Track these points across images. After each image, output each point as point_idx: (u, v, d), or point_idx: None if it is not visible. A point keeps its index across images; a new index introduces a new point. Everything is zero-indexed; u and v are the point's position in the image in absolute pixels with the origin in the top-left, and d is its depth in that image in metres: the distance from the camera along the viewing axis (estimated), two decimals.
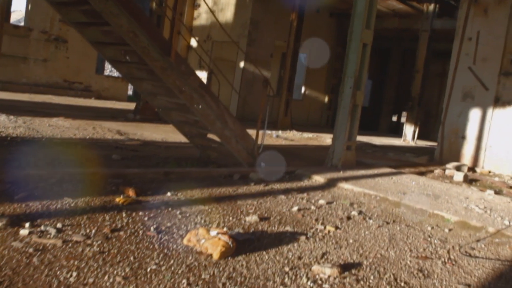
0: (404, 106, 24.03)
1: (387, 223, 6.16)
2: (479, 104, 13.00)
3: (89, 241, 4.12)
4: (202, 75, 21.28)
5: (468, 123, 13.20)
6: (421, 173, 10.90)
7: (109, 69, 31.26)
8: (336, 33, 23.02)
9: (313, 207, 6.42)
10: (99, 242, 4.13)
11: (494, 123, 12.85)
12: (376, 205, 7.09)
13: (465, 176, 10.44)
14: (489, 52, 12.88)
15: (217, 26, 20.93)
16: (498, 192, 9.58)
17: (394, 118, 29.16)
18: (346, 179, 8.46)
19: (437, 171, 11.19)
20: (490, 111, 12.87)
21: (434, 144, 21.22)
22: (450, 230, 6.24)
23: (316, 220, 5.83)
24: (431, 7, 19.83)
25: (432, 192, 8.30)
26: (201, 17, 21.93)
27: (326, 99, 23.60)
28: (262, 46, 19.85)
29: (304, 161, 10.97)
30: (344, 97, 9.64)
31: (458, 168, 12.29)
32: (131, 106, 18.39)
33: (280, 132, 16.84)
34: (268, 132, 16.19)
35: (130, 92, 27.01)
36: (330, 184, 8.08)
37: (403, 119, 26.29)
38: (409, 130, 20.48)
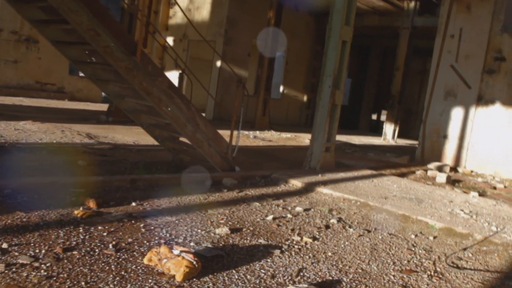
0: (384, 104, 23.78)
1: (368, 231, 5.79)
2: (462, 103, 12.73)
3: (36, 264, 3.67)
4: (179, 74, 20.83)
5: (450, 122, 12.93)
6: (403, 175, 10.58)
7: None
8: (315, 31, 22.70)
9: (289, 215, 6.02)
10: (48, 264, 3.68)
11: (476, 122, 12.59)
12: (357, 211, 6.71)
13: (448, 177, 10.14)
14: (472, 49, 12.61)
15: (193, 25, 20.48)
16: (482, 194, 9.29)
17: (374, 117, 28.93)
18: (325, 183, 8.08)
19: (419, 172, 10.88)
20: (472, 109, 12.61)
21: (415, 142, 20.99)
22: (435, 237, 5.89)
23: (292, 230, 5.43)
24: (412, 4, 19.59)
25: (414, 196, 7.96)
26: (177, 15, 21.44)
27: (305, 98, 23.27)
28: (239, 45, 19.44)
29: (281, 163, 10.59)
30: (323, 97, 9.26)
31: (440, 169, 12.00)
32: (105, 107, 17.83)
33: (258, 132, 16.46)
34: (246, 132, 15.82)
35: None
36: (308, 188, 7.70)
37: (383, 117, 26.04)
38: (389, 128, 20.22)
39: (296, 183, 7.90)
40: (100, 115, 14.62)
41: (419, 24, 19.59)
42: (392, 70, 20.67)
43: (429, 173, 10.88)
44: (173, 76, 21.30)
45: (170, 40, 21.38)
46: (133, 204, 5.61)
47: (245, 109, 19.80)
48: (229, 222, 5.41)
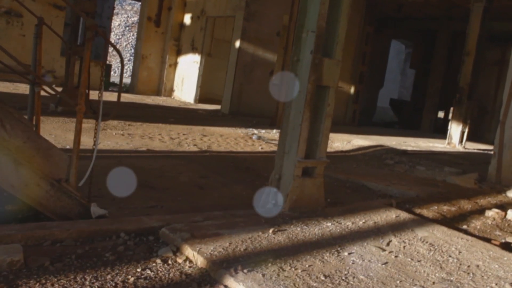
0: (452, 100, 18.38)
1: None
2: None
3: None
4: (196, 58, 16.48)
5: None
6: (461, 217, 5.65)
7: None
8: (366, 8, 17.58)
9: None
10: None
11: None
12: None
13: None
14: None
15: None
16: None
17: (441, 115, 23.41)
18: (265, 256, 3.36)
19: (492, 213, 5.83)
20: None
21: (490, 148, 15.64)
22: None
23: None
24: None
25: None
26: None
27: (353, 89, 18.21)
28: (265, 22, 14.77)
29: (252, 187, 6.00)
30: (300, 71, 4.53)
31: None
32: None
33: (274, 131, 11.76)
34: (255, 131, 11.27)
35: (113, 79, 22.41)
36: (207, 280, 3.05)
37: (451, 116, 20.51)
38: (455, 130, 14.94)
39: (194, 256, 3.28)
40: (51, 103, 10.43)
41: None
42: (462, 57, 15.32)
43: (511, 214, 5.84)
44: (189, 60, 16.98)
45: (187, 18, 17.05)
46: None
47: (268, 103, 15.27)
48: None
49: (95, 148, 3.80)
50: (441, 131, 21.13)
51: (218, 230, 3.70)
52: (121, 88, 4.08)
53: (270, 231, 3.88)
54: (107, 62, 23.96)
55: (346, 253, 3.67)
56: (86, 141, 7.14)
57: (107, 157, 6.48)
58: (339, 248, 3.75)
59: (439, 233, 4.61)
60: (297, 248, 3.64)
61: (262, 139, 10.31)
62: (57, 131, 7.74)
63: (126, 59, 28.39)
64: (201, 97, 16.42)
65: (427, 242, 4.27)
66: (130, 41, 29.03)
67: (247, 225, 3.96)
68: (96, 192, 4.74)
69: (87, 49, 3.68)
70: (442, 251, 4.09)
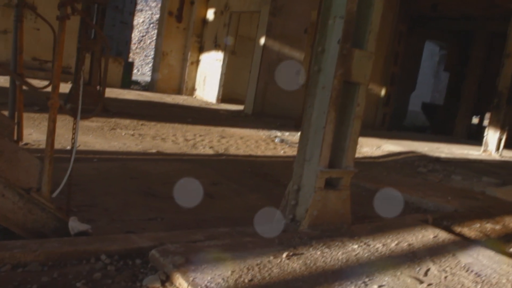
0: (489, 105, 17.43)
1: None
2: None
3: None
4: (218, 56, 15.91)
5: None
6: (508, 239, 4.93)
7: None
8: (400, 5, 16.77)
9: None
10: None
11: None
12: None
13: None
14: None
15: None
16: None
17: (476, 120, 22.42)
18: None
19: None
20: None
21: None
22: None
23: None
24: None
25: None
26: None
27: (383, 92, 17.43)
28: (292, 17, 14.11)
29: (270, 196, 5.40)
30: (325, 64, 3.88)
31: None
32: (123, 94, 13.35)
33: (298, 134, 11.08)
34: (278, 133, 10.65)
35: (135, 77, 21.93)
36: None
37: (486, 122, 19.49)
38: (492, 136, 14.06)
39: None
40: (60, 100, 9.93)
41: None
42: (501, 58, 14.43)
43: None
44: (211, 58, 16.43)
45: (210, 13, 16.49)
46: None
47: (294, 103, 14.65)
48: None
49: (73, 150, 3.23)
50: (475, 137, 20.18)
51: (220, 254, 3.08)
52: (105, 79, 3.51)
53: (284, 255, 3.24)
54: (129, 60, 23.57)
55: (375, 286, 3.01)
56: (90, 141, 6.62)
57: (110, 160, 5.93)
58: (366, 279, 3.09)
59: (485, 259, 3.92)
60: (316, 278, 2.99)
61: (285, 142, 9.69)
62: (60, 130, 7.17)
63: (150, 57, 27.98)
64: (224, 97, 15.85)
65: (472, 271, 3.58)
66: (154, 38, 28.69)
67: (257, 247, 3.33)
68: (88, 201, 4.19)
69: (61, 30, 3.11)
70: (491, 283, 3.40)
